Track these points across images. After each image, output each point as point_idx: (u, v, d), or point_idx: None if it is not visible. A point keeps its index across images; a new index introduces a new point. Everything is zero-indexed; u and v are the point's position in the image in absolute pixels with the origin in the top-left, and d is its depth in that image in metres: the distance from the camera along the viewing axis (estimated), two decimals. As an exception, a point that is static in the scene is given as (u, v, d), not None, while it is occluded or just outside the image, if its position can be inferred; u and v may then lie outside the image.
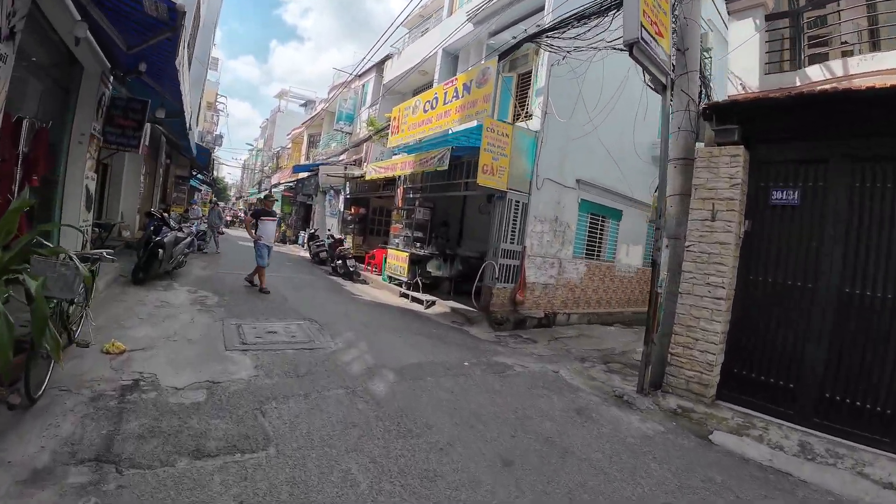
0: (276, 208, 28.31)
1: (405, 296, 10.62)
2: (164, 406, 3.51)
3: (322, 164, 20.46)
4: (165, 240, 8.10)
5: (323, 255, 15.46)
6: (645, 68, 5.61)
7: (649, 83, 6.53)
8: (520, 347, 7.62)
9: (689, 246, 5.89)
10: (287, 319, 6.92)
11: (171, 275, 9.06)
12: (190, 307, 6.79)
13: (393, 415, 3.94)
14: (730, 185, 5.67)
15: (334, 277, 12.74)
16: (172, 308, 6.57)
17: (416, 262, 10.90)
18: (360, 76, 21.61)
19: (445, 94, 10.07)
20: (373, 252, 13.65)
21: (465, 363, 5.99)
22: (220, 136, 38.08)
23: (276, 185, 29.30)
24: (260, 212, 9.40)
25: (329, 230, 17.14)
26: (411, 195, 12.17)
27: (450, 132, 10.77)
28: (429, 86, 15.03)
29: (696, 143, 6.31)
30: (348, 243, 14.34)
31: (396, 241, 12.10)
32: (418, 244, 11.38)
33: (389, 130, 12.53)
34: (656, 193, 6.42)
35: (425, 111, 10.85)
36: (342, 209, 17.50)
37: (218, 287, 8.71)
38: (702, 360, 5.68)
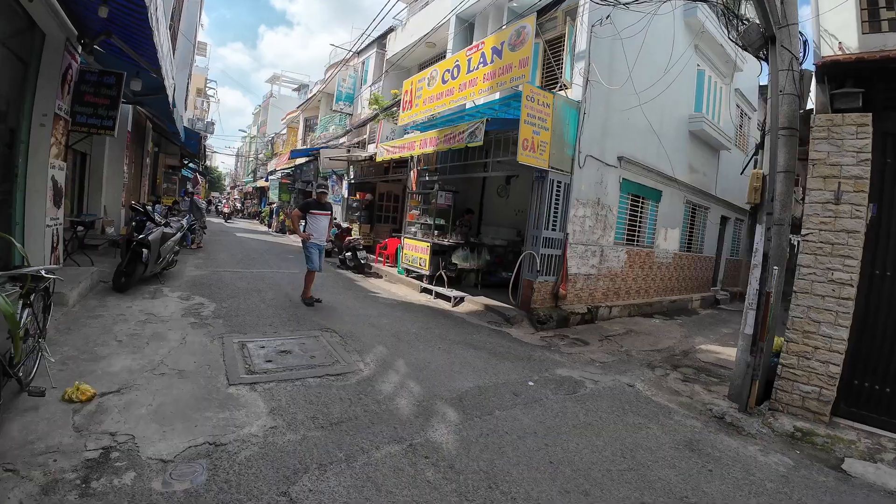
0: (274, 195, 27.24)
1: (427, 291, 9.44)
2: (145, 501, 2.35)
3: (322, 147, 19.12)
4: (150, 237, 6.87)
5: (328, 245, 14.23)
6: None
7: (737, 39, 5.34)
8: (574, 352, 6.49)
9: (805, 235, 4.72)
10: (300, 330, 5.75)
11: (161, 277, 7.85)
12: (181, 320, 5.59)
13: (477, 486, 2.79)
14: (857, 161, 4.55)
15: (343, 271, 11.55)
16: (160, 323, 5.38)
17: (438, 253, 9.71)
18: (359, 53, 20.10)
19: (469, 61, 8.75)
20: (384, 242, 12.44)
21: (530, 382, 4.84)
22: (212, 123, 36.47)
23: (272, 173, 27.91)
24: (310, 204, 7.68)
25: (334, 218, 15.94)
26: (427, 178, 10.91)
27: (470, 104, 9.49)
28: (438, 58, 13.76)
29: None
30: (356, 232, 13.10)
31: (413, 229, 10.88)
32: (437, 233, 10.15)
33: (400, 107, 11.21)
34: (757, 170, 5.22)
35: (444, 82, 9.53)
36: (346, 195, 16.23)
37: (215, 291, 7.51)
38: (822, 372, 4.60)
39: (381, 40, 18.42)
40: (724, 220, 14.56)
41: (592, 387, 5.04)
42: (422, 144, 9.59)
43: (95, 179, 10.58)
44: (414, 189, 11.12)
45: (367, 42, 19.07)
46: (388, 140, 11.54)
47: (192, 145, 14.05)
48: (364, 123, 16.40)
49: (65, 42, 5.87)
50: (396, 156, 10.59)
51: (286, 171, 25.06)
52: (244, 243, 15.19)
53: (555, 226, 8.05)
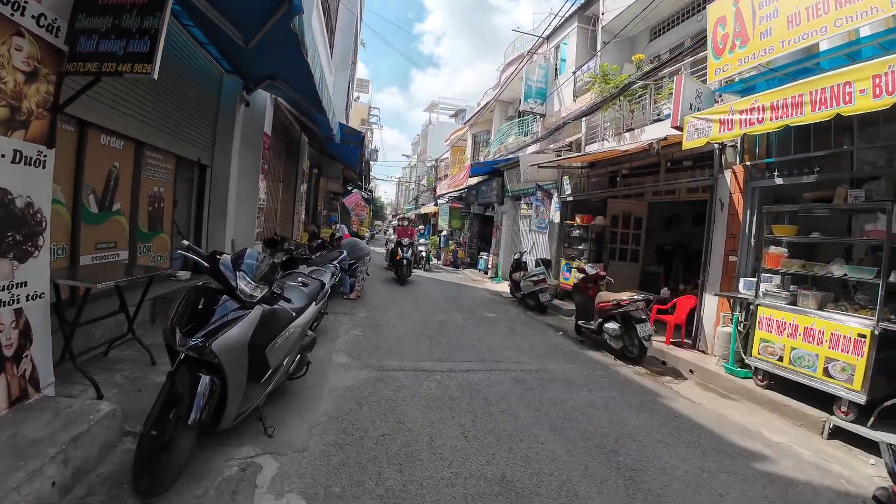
0: (443, 222, 23.38)
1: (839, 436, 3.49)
2: None
3: (510, 157, 14.41)
4: (223, 343, 2.32)
5: (544, 299, 9.09)
6: None
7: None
8: None
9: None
10: None
11: (276, 399, 3.37)
12: None
13: None
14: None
15: (598, 356, 6.20)
16: None
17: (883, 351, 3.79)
18: (548, 38, 15.28)
19: None
20: (673, 302, 6.81)
21: None
22: (376, 150, 35.15)
23: (440, 197, 24.36)
24: None
25: (524, 251, 10.78)
26: (767, 177, 5.14)
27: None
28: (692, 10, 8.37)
29: None
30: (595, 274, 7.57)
31: (772, 284, 5.10)
32: (859, 299, 4.25)
33: (714, 51, 5.61)
34: None
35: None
36: (556, 220, 11.05)
37: (393, 470, 2.73)
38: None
39: (583, 10, 13.29)
40: None
41: None
42: (792, 105, 3.96)
43: (218, 202, 7.00)
44: (741, 193, 5.38)
45: (563, 18, 14.16)
46: (696, 110, 5.92)
47: (353, 154, 10.38)
48: (562, 124, 11.17)
49: None
50: (736, 132, 4.89)
51: (455, 193, 21.10)
52: (416, 285, 10.97)
53: None
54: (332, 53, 11.99)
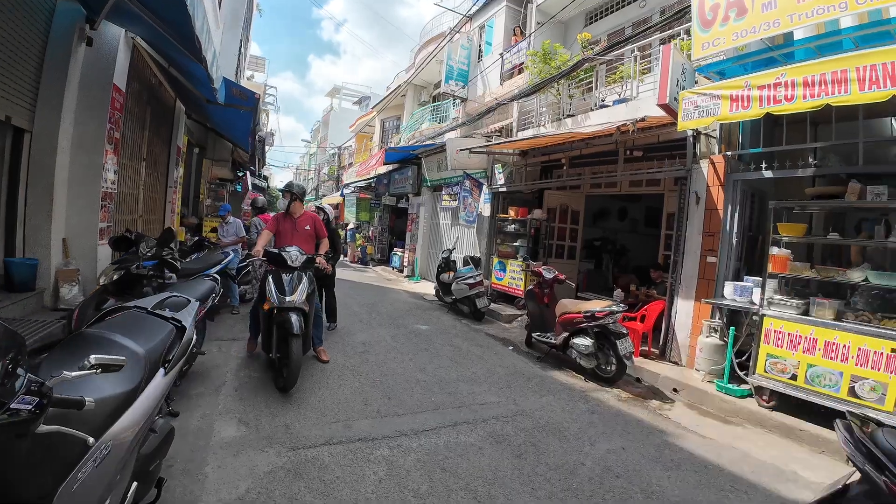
0: (350, 215, 21.00)
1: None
2: None
3: (428, 143, 13.10)
4: None
5: (481, 304, 7.89)
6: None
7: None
8: None
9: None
10: None
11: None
12: None
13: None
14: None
15: (568, 378, 5.12)
16: None
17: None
18: (472, 17, 14.19)
19: None
20: (645, 309, 5.91)
21: None
22: (272, 134, 31.78)
23: (346, 186, 22.33)
24: None
25: (452, 249, 9.59)
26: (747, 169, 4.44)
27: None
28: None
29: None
30: (539, 274, 6.46)
31: (769, 289, 4.34)
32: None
33: (701, 22, 4.71)
34: None
35: None
36: (486, 213, 9.93)
37: None
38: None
39: (514, -12, 12.39)
40: None
41: None
42: (833, 82, 3.22)
43: (41, 184, 4.77)
44: (721, 186, 4.61)
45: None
46: (682, 88, 4.94)
47: (243, 125, 8.13)
48: (487, 110, 10.11)
49: None
50: (755, 111, 3.94)
51: (361, 183, 19.19)
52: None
53: None
54: (219, 4, 9.67)
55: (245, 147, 10.86)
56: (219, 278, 4.40)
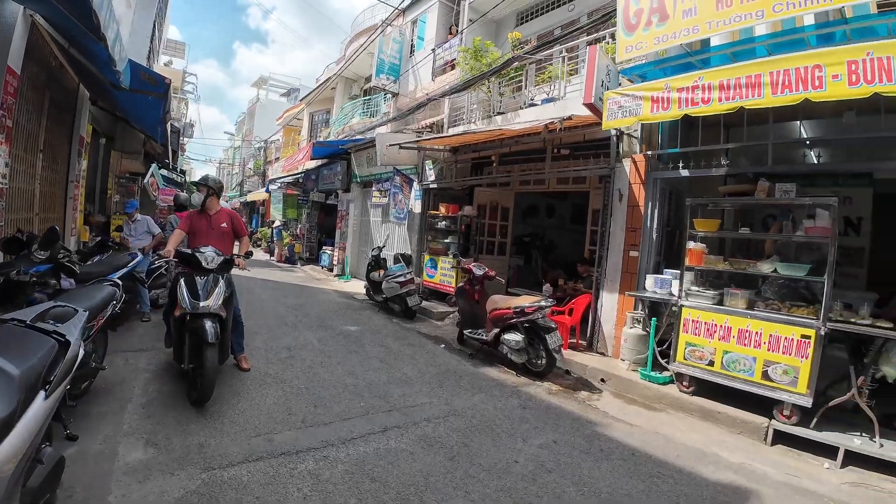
0: (276, 212, 19.88)
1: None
2: None
3: (358, 138, 12.76)
4: None
5: (413, 303, 7.75)
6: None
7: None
8: None
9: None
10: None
11: None
12: None
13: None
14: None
15: (499, 374, 5.12)
16: None
17: (854, 352, 3.46)
18: (405, 10, 13.99)
19: None
20: (574, 302, 6.02)
21: None
22: (191, 126, 29.68)
23: (272, 181, 21.27)
24: None
25: (382, 246, 9.40)
26: (669, 168, 4.68)
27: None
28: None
29: None
30: (468, 271, 6.43)
31: (702, 285, 4.58)
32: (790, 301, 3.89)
33: (626, 26, 4.86)
34: None
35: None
36: (417, 209, 9.80)
37: None
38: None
39: (451, -17, 12.35)
40: None
41: None
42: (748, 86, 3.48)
43: None
44: (642, 184, 4.84)
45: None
46: (607, 88, 5.03)
47: (153, 114, 7.35)
48: (419, 106, 10.04)
49: None
50: (674, 113, 4.11)
51: (288, 178, 18.29)
52: (247, 292, 8.46)
53: None
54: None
55: (155, 137, 9.95)
56: (120, 283, 3.93)
